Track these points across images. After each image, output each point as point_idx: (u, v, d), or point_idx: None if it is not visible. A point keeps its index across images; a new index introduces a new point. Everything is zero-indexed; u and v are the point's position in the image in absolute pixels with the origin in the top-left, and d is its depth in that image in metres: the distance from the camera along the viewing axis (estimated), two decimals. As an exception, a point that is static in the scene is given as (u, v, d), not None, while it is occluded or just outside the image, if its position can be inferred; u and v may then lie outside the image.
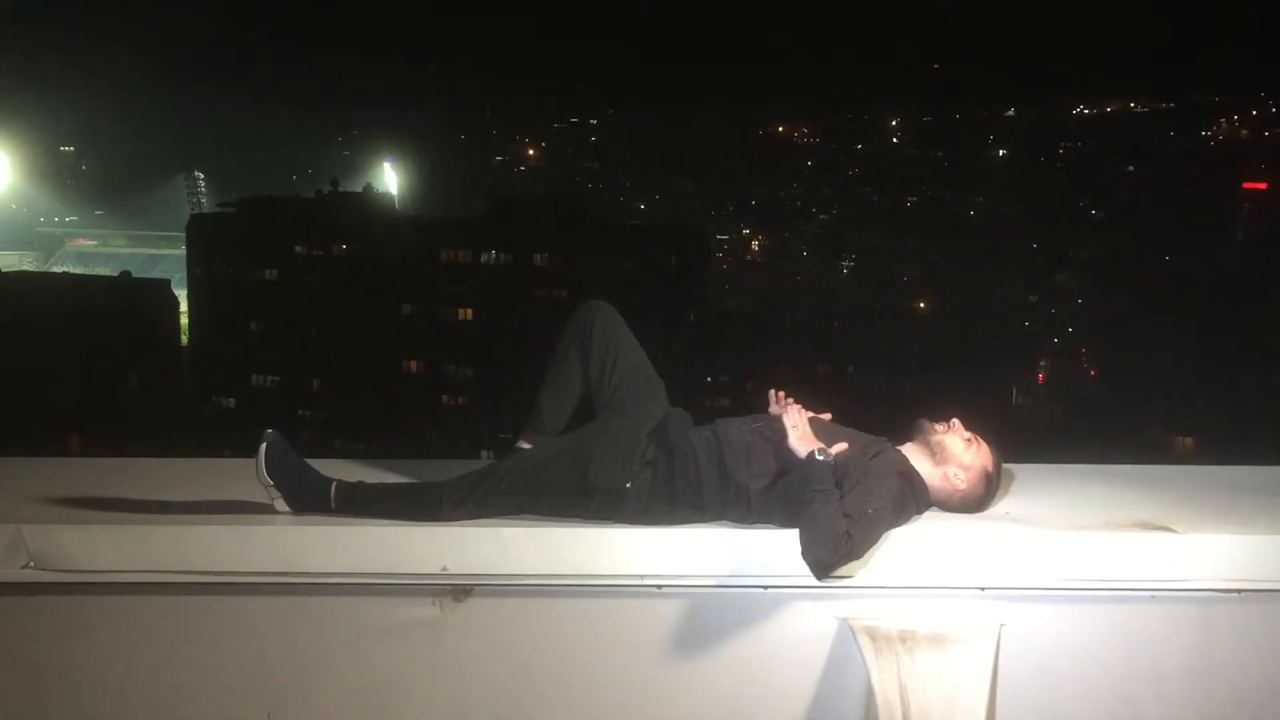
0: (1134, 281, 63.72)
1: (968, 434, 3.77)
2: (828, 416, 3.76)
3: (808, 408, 3.73)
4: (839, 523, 3.32)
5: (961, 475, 3.72)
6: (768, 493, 3.56)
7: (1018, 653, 3.58)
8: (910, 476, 3.66)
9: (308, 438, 48.70)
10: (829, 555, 3.30)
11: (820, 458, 3.46)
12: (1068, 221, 79.86)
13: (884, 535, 3.48)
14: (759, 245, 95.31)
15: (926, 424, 3.80)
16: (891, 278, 77.12)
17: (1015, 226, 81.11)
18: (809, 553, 3.31)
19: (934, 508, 3.75)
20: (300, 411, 55.80)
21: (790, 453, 3.55)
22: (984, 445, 3.78)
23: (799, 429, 3.58)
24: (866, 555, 3.44)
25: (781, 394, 3.78)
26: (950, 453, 3.73)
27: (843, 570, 3.43)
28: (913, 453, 3.75)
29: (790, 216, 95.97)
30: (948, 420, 3.81)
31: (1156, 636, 3.62)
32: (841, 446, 3.54)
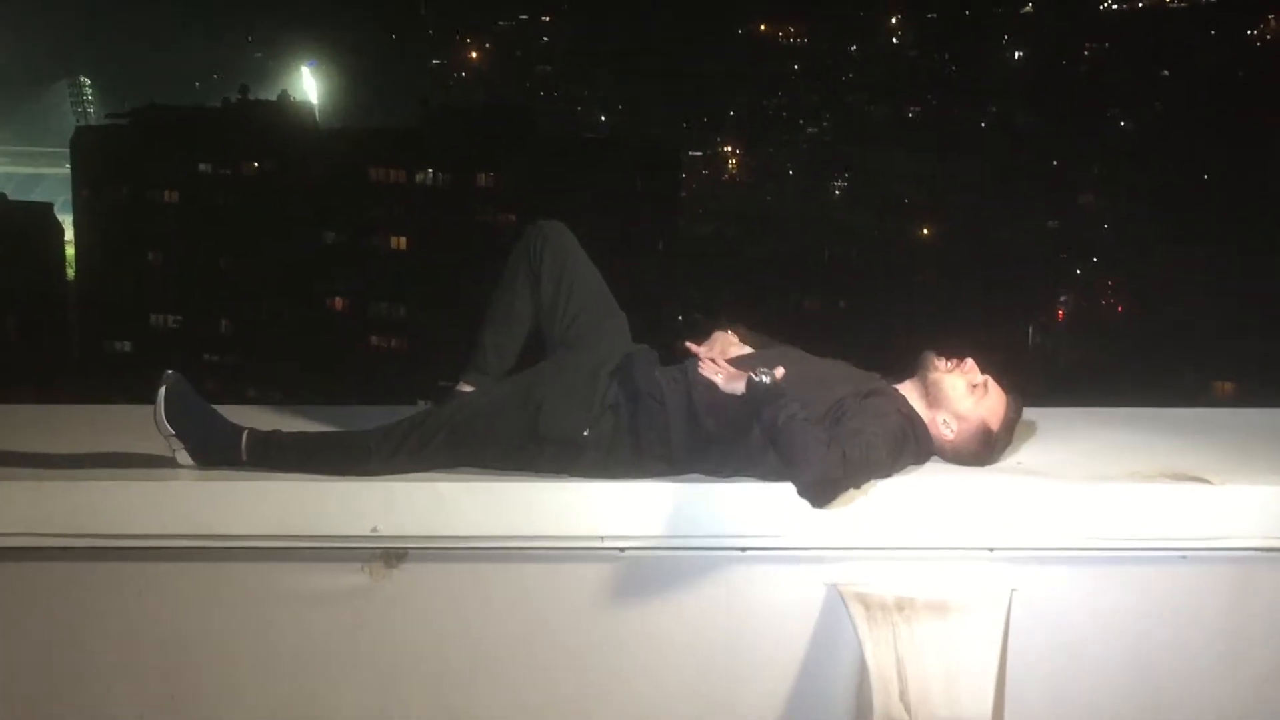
0: (1168, 204, 64.02)
1: (979, 378, 3.75)
2: (733, 340, 3.77)
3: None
4: (815, 433, 3.34)
5: (953, 425, 3.73)
6: (745, 441, 3.57)
7: (1031, 621, 3.63)
8: (913, 419, 3.68)
9: (215, 386, 48.48)
10: (821, 471, 3.31)
11: (760, 378, 3.42)
12: (1093, 134, 79.98)
13: (876, 476, 3.50)
14: (738, 162, 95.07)
15: (930, 358, 3.80)
16: (891, 200, 77.15)
17: (1033, 140, 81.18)
18: (797, 478, 3.34)
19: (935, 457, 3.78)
20: (206, 356, 55.59)
21: (733, 401, 3.53)
22: (996, 395, 3.75)
23: (721, 374, 3.52)
24: (859, 508, 3.46)
25: (694, 347, 3.75)
26: (946, 396, 3.73)
27: (828, 530, 3.46)
28: (908, 391, 3.77)
29: (774, 129, 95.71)
30: (959, 359, 3.79)
31: (1187, 601, 3.67)
32: (780, 371, 3.47)
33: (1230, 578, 3.66)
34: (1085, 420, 4.35)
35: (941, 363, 3.78)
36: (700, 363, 3.58)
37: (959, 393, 3.73)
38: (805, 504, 3.38)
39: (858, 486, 3.45)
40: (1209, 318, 54.80)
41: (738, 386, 3.46)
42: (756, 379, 3.41)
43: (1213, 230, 59.21)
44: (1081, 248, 72.49)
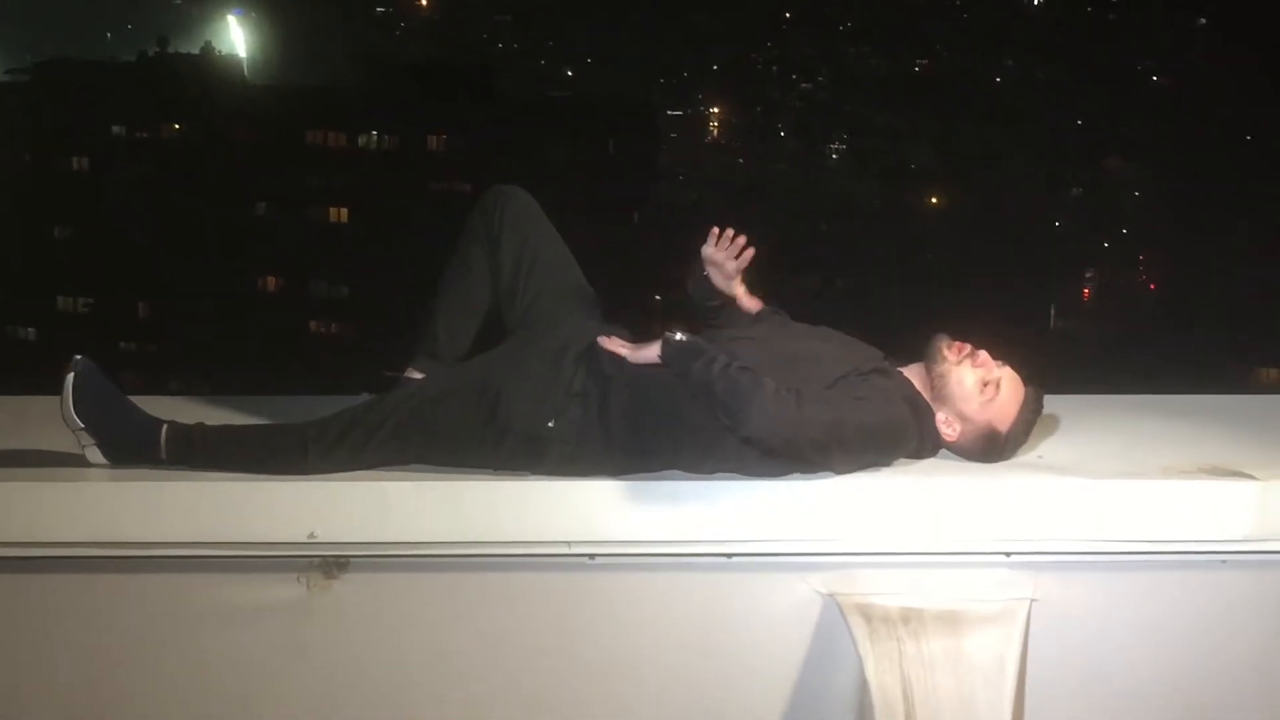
0: (1206, 169, 64.23)
1: (993, 374, 3.71)
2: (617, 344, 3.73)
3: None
4: (755, 378, 3.41)
5: (955, 426, 3.72)
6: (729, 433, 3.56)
7: (1053, 634, 3.65)
8: (918, 408, 3.69)
9: (132, 376, 48.33)
10: (768, 418, 3.37)
11: (673, 335, 3.55)
12: (1122, 91, 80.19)
13: (862, 466, 3.53)
14: (723, 123, 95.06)
15: (941, 344, 3.77)
16: (895, 165, 77.27)
17: (1054, 97, 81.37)
18: (741, 427, 3.40)
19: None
20: (122, 343, 55.38)
21: (651, 371, 3.60)
22: (1010, 393, 3.72)
23: (625, 347, 3.64)
24: (859, 509, 3.47)
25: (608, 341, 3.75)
26: (951, 392, 3.71)
27: (825, 534, 3.48)
28: (913, 377, 3.77)
29: (764, 85, 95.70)
30: (972, 347, 3.76)
31: (1228, 609, 3.70)
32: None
33: (1276, 583, 3.68)
34: (1113, 409, 4.37)
35: (952, 352, 3.74)
36: (602, 339, 3.66)
37: (966, 390, 3.70)
38: (797, 503, 3.39)
39: (823, 459, 3.48)
40: (1251, 296, 54.99)
41: (650, 354, 3.56)
42: (670, 336, 3.54)
43: (1256, 198, 59.37)
44: (1109, 218, 72.67)
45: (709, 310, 3.94)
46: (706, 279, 3.92)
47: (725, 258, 3.85)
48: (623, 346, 3.61)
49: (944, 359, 3.74)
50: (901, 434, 3.62)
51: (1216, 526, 3.59)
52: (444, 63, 63.78)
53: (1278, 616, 3.70)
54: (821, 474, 3.52)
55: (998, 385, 3.70)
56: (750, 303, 3.97)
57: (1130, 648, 3.70)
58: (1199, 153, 66.30)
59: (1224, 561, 3.64)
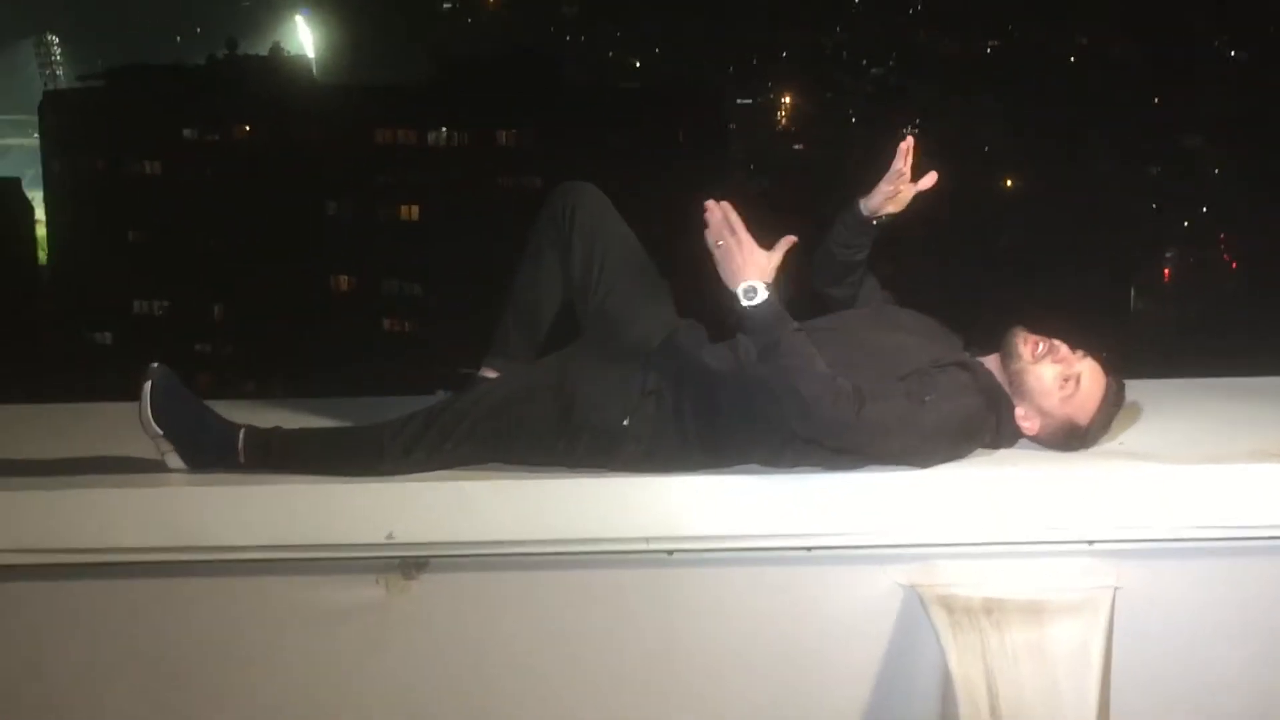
0: (1287, 143, 63.46)
1: (1074, 369, 3.67)
2: (788, 242, 3.47)
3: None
4: (819, 366, 3.34)
5: (1035, 421, 3.70)
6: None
7: (1138, 623, 3.62)
8: (997, 399, 3.67)
9: (209, 379, 48.77)
10: (828, 409, 3.33)
11: (750, 301, 3.36)
12: (1200, 67, 79.33)
13: (936, 461, 3.51)
14: (792, 110, 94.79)
15: (1018, 338, 3.73)
16: (969, 148, 76.77)
17: (1131, 74, 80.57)
18: (802, 422, 3.38)
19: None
20: (198, 346, 55.91)
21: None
22: (1091, 386, 3.69)
23: (732, 252, 3.39)
24: (939, 499, 3.46)
25: (714, 207, 3.52)
26: (1030, 389, 3.68)
27: (905, 525, 3.47)
28: (993, 368, 3.74)
29: (834, 71, 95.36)
30: (1049, 340, 3.72)
31: (1317, 596, 3.65)
32: (785, 244, 3.42)
33: (1368, 568, 3.64)
34: (1197, 393, 4.33)
35: (1028, 350, 3.70)
36: (715, 223, 3.44)
37: (1045, 385, 3.67)
38: (877, 494, 3.39)
39: (891, 456, 3.47)
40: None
41: (735, 279, 3.37)
42: (748, 297, 3.36)
43: (1340, 172, 58.65)
44: (1189, 197, 71.94)
45: (848, 268, 3.93)
46: (864, 220, 3.95)
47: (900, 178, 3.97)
48: (718, 251, 3.39)
49: (1020, 357, 3.70)
50: (974, 427, 3.60)
51: (1303, 510, 3.55)
52: (512, 57, 63.80)
53: (1369, 601, 3.66)
54: (900, 466, 3.51)
55: (1078, 380, 3.67)
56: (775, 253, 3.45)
57: (1217, 636, 3.66)
58: (1277, 128, 65.47)
59: (1312, 546, 3.60)
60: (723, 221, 3.42)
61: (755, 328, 3.39)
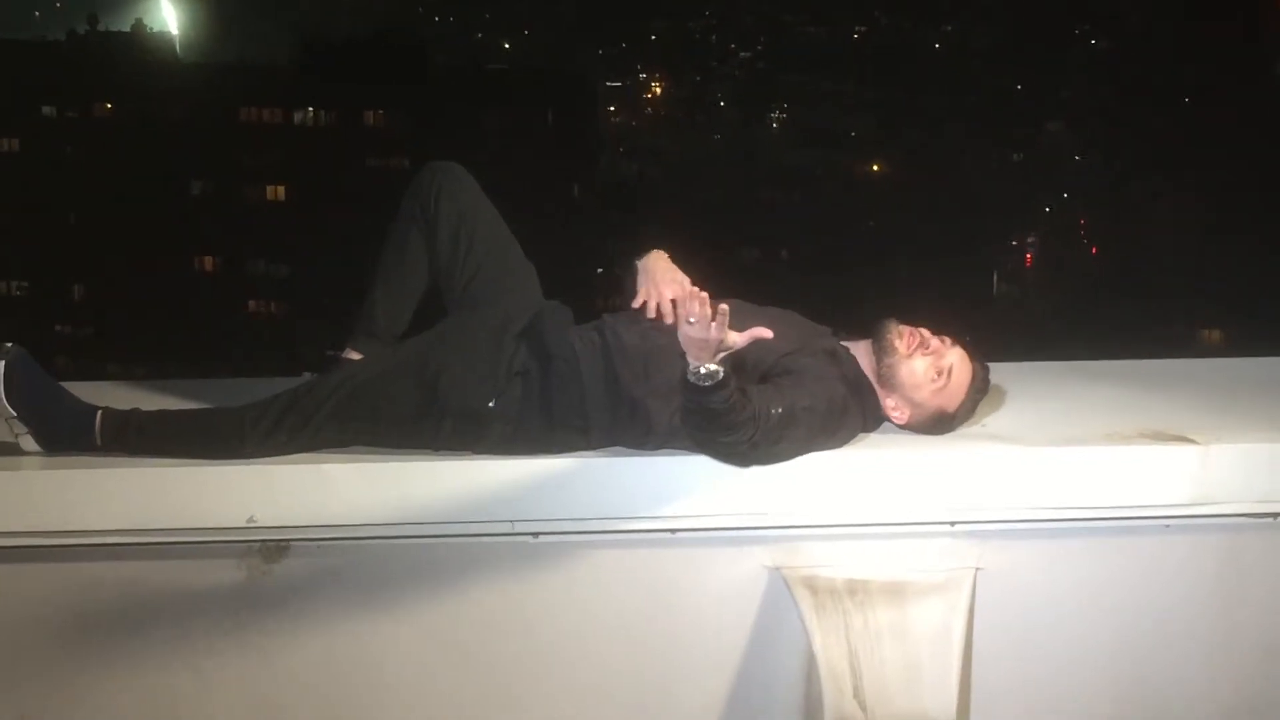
0: (1146, 132, 64.56)
1: (945, 361, 3.69)
2: (724, 308, 3.21)
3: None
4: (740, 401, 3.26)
5: (904, 411, 3.72)
6: (671, 411, 3.52)
7: (998, 602, 3.67)
8: (860, 387, 3.69)
9: (68, 361, 47.97)
10: (741, 436, 3.32)
11: (709, 383, 3.19)
12: (1061, 54, 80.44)
13: (811, 450, 3.51)
14: (661, 93, 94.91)
15: (890, 331, 3.74)
16: (836, 133, 77.32)
17: (994, 62, 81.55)
18: (716, 453, 3.41)
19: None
20: (57, 326, 54.96)
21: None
22: (960, 377, 3.71)
23: (705, 337, 3.16)
24: (804, 481, 3.48)
25: (667, 300, 3.66)
26: (902, 381, 3.70)
27: (769, 507, 3.48)
28: (862, 355, 3.76)
29: (702, 54, 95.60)
30: (920, 331, 3.74)
31: (1171, 575, 3.72)
32: (753, 335, 3.24)
33: (1219, 547, 3.71)
34: (1056, 376, 4.39)
35: (903, 344, 3.71)
36: (689, 311, 3.17)
37: (917, 379, 3.69)
38: (741, 477, 3.40)
39: (773, 458, 3.46)
40: (1194, 258, 55.36)
41: (694, 357, 3.20)
42: (696, 373, 3.21)
43: (1197, 160, 59.75)
44: (1050, 183, 72.98)
45: (712, 390, 3.24)
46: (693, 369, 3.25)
47: (702, 328, 3.17)
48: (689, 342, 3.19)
49: (895, 350, 3.71)
50: (839, 416, 3.59)
51: (1159, 491, 3.61)
52: (380, 36, 63.33)
53: (1219, 581, 3.73)
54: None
55: (950, 372, 3.70)
56: (742, 338, 3.26)
57: (1075, 614, 3.72)
58: (1138, 116, 66.62)
59: (1166, 527, 3.66)
60: (704, 314, 3.16)
61: (702, 400, 3.23)
